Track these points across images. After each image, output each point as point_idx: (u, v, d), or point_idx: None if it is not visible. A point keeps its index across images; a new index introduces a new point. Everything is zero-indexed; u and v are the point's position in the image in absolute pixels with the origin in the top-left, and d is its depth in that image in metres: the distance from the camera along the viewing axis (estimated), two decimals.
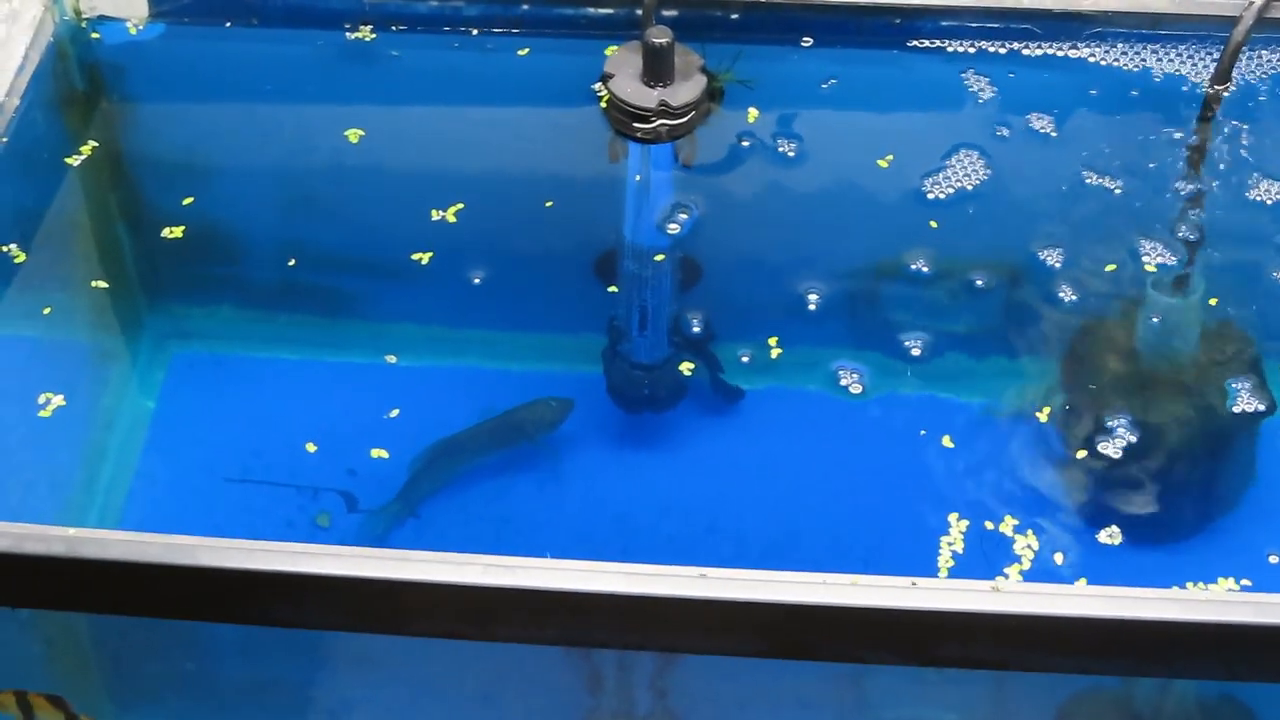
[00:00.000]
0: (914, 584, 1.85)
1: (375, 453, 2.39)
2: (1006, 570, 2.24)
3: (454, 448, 2.48)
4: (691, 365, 2.53)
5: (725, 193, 2.69)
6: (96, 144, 2.76)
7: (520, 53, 2.86)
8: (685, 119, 2.71)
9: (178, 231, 2.62)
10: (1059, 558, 2.27)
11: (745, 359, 2.51)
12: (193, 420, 2.52)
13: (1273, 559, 2.27)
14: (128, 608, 1.94)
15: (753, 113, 2.77)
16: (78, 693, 2.49)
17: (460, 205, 2.63)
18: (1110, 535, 2.31)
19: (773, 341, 2.52)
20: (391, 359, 2.50)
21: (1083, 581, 2.19)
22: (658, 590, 1.85)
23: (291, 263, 2.62)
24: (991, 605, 1.84)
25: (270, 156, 2.79)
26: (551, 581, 1.85)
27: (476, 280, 2.59)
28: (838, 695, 2.42)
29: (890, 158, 2.72)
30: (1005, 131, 2.75)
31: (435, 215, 2.61)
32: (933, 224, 2.62)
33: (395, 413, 2.45)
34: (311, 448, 2.40)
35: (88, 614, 2.23)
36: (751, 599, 1.85)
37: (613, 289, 2.61)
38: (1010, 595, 1.85)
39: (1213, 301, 2.54)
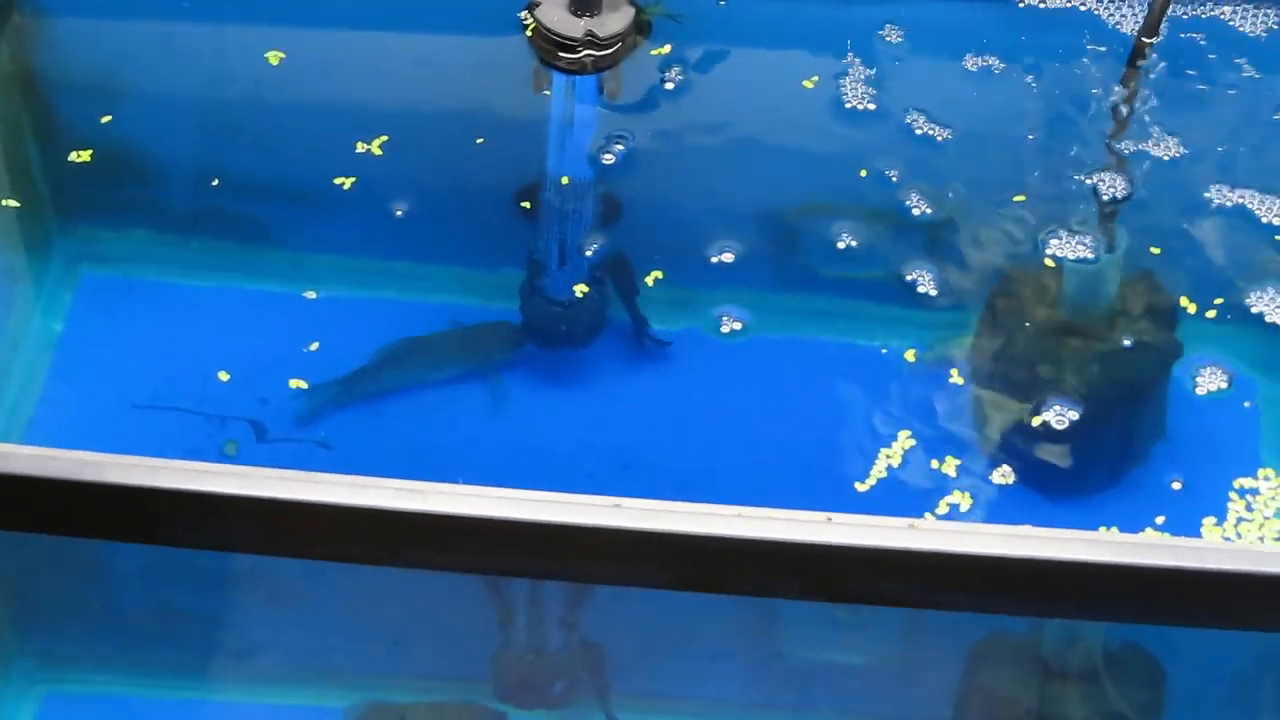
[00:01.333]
0: (830, 519, 1.84)
1: (293, 382, 2.36)
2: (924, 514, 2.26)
3: (410, 350, 2.45)
4: (606, 299, 2.52)
5: (649, 128, 2.67)
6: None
7: None
8: (611, 50, 2.69)
9: (85, 155, 2.58)
10: (971, 504, 2.29)
11: (662, 296, 2.50)
12: (101, 344, 2.49)
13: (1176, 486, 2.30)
14: (30, 524, 1.90)
15: (675, 47, 2.75)
16: None
17: (385, 138, 2.59)
18: (1022, 483, 2.33)
19: (695, 277, 2.51)
20: (310, 294, 2.47)
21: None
22: (572, 519, 1.83)
23: (214, 184, 2.58)
24: (908, 542, 1.83)
25: (189, 76, 2.74)
26: (463, 508, 1.82)
27: (395, 210, 2.56)
28: (748, 637, 2.43)
29: (812, 94, 2.70)
30: (931, 74, 2.74)
31: (360, 148, 2.57)
32: (862, 173, 2.61)
33: (315, 346, 2.43)
34: (223, 376, 2.38)
35: None
36: (666, 529, 1.83)
37: (531, 219, 2.60)
38: (927, 533, 1.84)
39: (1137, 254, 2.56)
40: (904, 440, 2.35)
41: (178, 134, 2.68)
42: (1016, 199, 2.58)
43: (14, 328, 2.51)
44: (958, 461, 2.34)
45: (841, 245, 2.53)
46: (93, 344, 2.49)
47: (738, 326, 2.48)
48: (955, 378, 2.42)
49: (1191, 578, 1.85)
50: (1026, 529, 1.83)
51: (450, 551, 1.86)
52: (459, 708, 2.43)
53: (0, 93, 2.70)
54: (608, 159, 2.63)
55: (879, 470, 2.33)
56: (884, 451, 2.34)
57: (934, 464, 2.34)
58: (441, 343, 2.50)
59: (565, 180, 2.61)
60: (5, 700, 2.46)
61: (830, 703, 2.44)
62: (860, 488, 2.32)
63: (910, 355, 2.45)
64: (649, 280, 2.53)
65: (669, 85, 2.71)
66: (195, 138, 2.68)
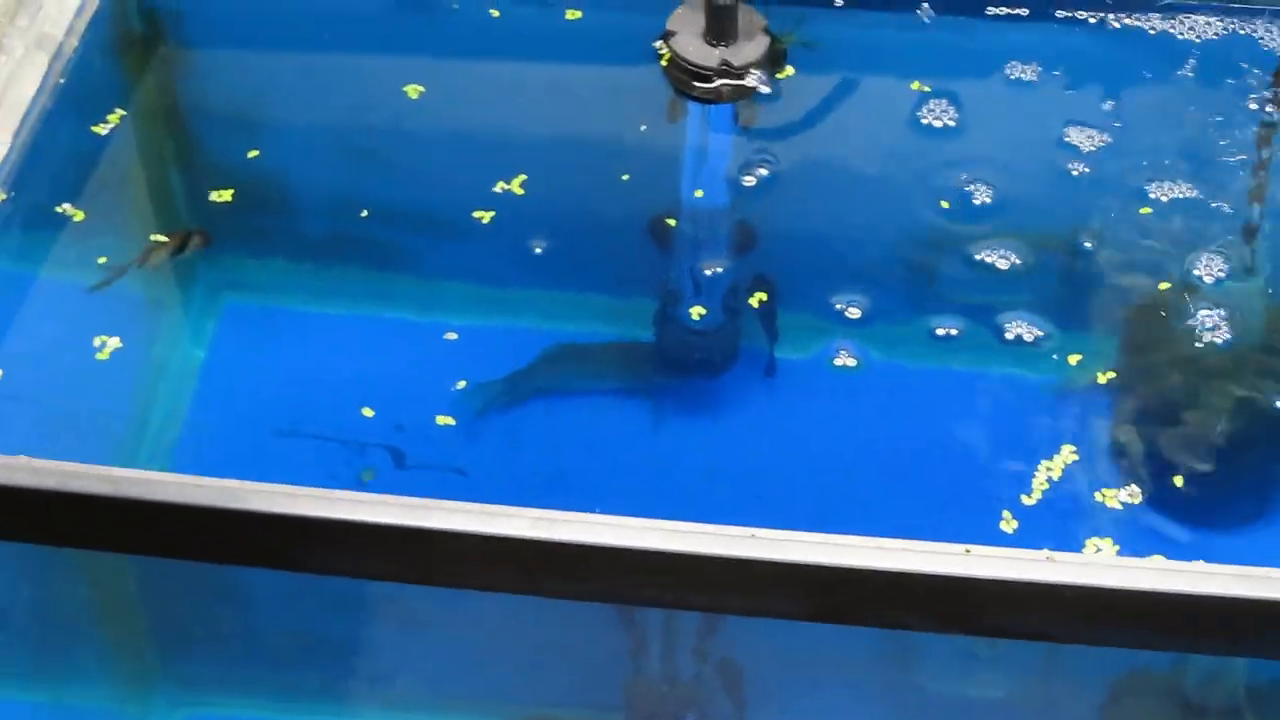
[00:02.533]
0: (968, 551, 1.83)
1: (440, 419, 2.38)
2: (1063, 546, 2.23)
3: (571, 355, 2.47)
4: (740, 328, 2.52)
5: (784, 156, 2.67)
6: (136, 105, 2.76)
7: (573, 15, 2.84)
8: (746, 80, 2.69)
9: (227, 195, 2.61)
10: (1111, 535, 2.26)
11: (797, 326, 2.49)
12: (242, 371, 2.52)
13: None
14: (170, 550, 1.93)
15: (811, 76, 2.75)
16: (122, 636, 2.50)
17: (524, 176, 2.60)
18: (1163, 515, 2.29)
19: (830, 307, 2.50)
20: (451, 336, 2.48)
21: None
22: (706, 549, 1.83)
23: (361, 214, 2.61)
24: (1047, 575, 1.81)
25: (330, 108, 2.78)
26: (598, 537, 1.83)
27: (533, 241, 2.58)
28: (884, 667, 2.41)
29: (952, 125, 2.69)
30: (1073, 102, 2.72)
31: (500, 187, 2.59)
32: (987, 197, 2.59)
33: (462, 384, 2.44)
34: (366, 410, 2.40)
35: (131, 555, 2.23)
36: (801, 560, 1.83)
37: (666, 248, 2.60)
38: (1065, 566, 1.82)
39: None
40: (1042, 471, 2.33)
41: (319, 164, 2.71)
42: (1158, 224, 2.55)
43: (159, 355, 2.55)
44: (1097, 493, 2.31)
45: (977, 272, 2.52)
46: (234, 371, 2.52)
47: (875, 355, 2.46)
48: (1094, 408, 2.39)
49: None
50: (1168, 562, 1.81)
51: (585, 581, 1.87)
52: None
53: (146, 123, 2.74)
54: (743, 187, 2.63)
55: (1017, 501, 2.31)
56: (1022, 482, 2.32)
57: (1073, 496, 2.31)
58: (599, 354, 2.50)
59: (699, 209, 2.62)
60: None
61: None
62: (998, 519, 2.29)
63: (1049, 385, 2.43)
64: (753, 301, 2.52)
65: (804, 114, 2.71)
66: (336, 169, 2.71)
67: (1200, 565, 1.81)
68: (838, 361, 2.46)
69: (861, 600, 1.87)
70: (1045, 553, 1.86)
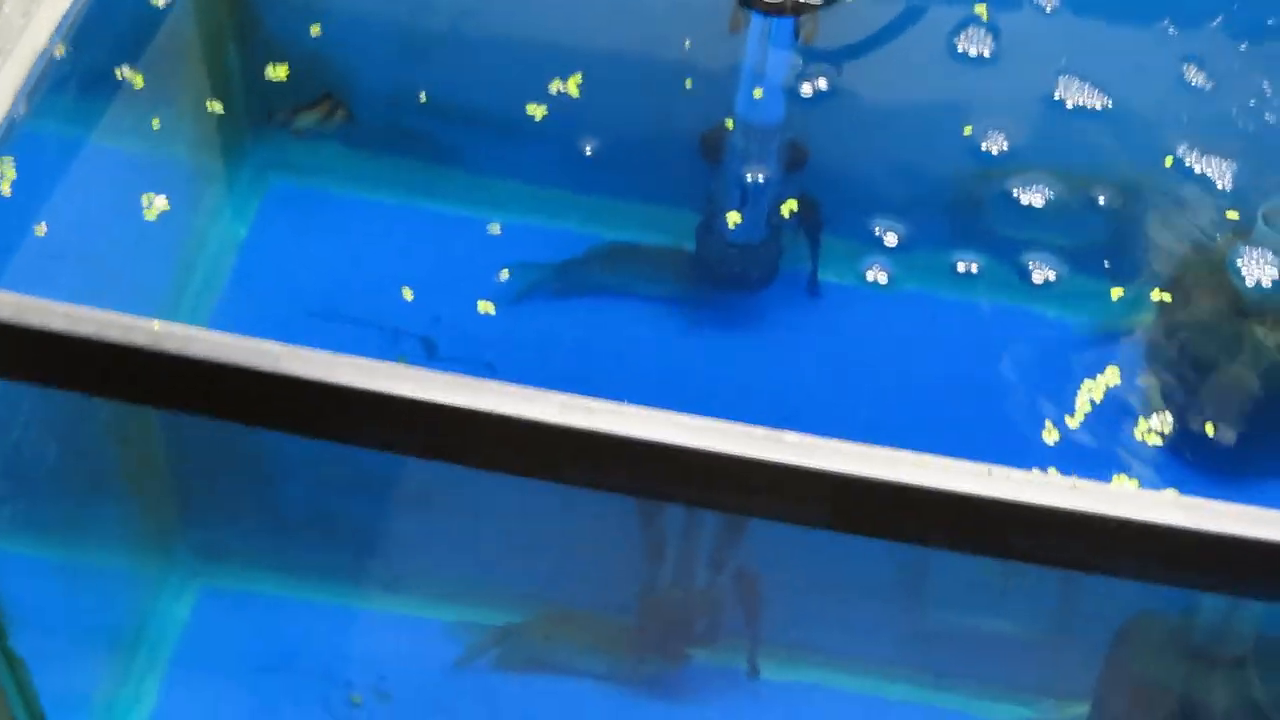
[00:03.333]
0: (990, 471, 1.83)
1: (482, 305, 2.39)
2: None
3: (623, 254, 2.49)
4: (783, 246, 2.52)
5: (843, 76, 2.66)
6: None
7: None
8: None
9: (282, 71, 2.61)
10: (1140, 475, 2.26)
11: (840, 248, 2.49)
12: (282, 252, 2.54)
13: None
14: (203, 408, 1.94)
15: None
16: (146, 500, 2.52)
17: (579, 76, 2.60)
18: (1188, 465, 2.30)
19: (875, 231, 2.50)
20: (494, 228, 2.49)
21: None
22: (732, 448, 1.83)
23: (420, 100, 2.61)
24: (1069, 502, 1.81)
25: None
26: (626, 427, 1.83)
27: (583, 145, 2.58)
28: (898, 592, 2.42)
29: (1008, 58, 2.68)
30: (1135, 44, 2.70)
31: (555, 88, 2.59)
32: (1041, 134, 2.58)
33: (504, 274, 2.45)
34: (407, 293, 2.41)
35: (163, 410, 2.25)
36: (825, 467, 1.83)
37: (715, 161, 2.60)
38: (1089, 493, 1.82)
39: None
40: (1072, 412, 2.33)
41: (377, 53, 2.71)
42: (1214, 177, 2.54)
43: (200, 227, 2.56)
44: (1123, 440, 2.31)
45: (1032, 206, 2.51)
46: (274, 251, 2.54)
47: (913, 285, 2.47)
48: (1132, 352, 2.40)
49: None
50: (1190, 499, 1.81)
51: (609, 470, 1.88)
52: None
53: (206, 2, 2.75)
54: (798, 104, 2.62)
55: (1043, 439, 2.31)
56: (1048, 422, 2.32)
57: (1099, 441, 2.31)
58: (653, 255, 2.51)
59: (752, 123, 2.61)
60: (166, 588, 2.52)
61: (974, 669, 2.43)
62: (1024, 452, 2.30)
63: (1084, 325, 2.43)
64: (793, 217, 2.52)
65: (866, 34, 2.70)
66: (394, 58, 2.71)
67: (1218, 504, 1.81)
68: (877, 283, 2.46)
69: (880, 510, 1.87)
70: (1070, 479, 1.87)
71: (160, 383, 1.92)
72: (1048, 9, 2.72)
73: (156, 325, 1.89)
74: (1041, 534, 1.85)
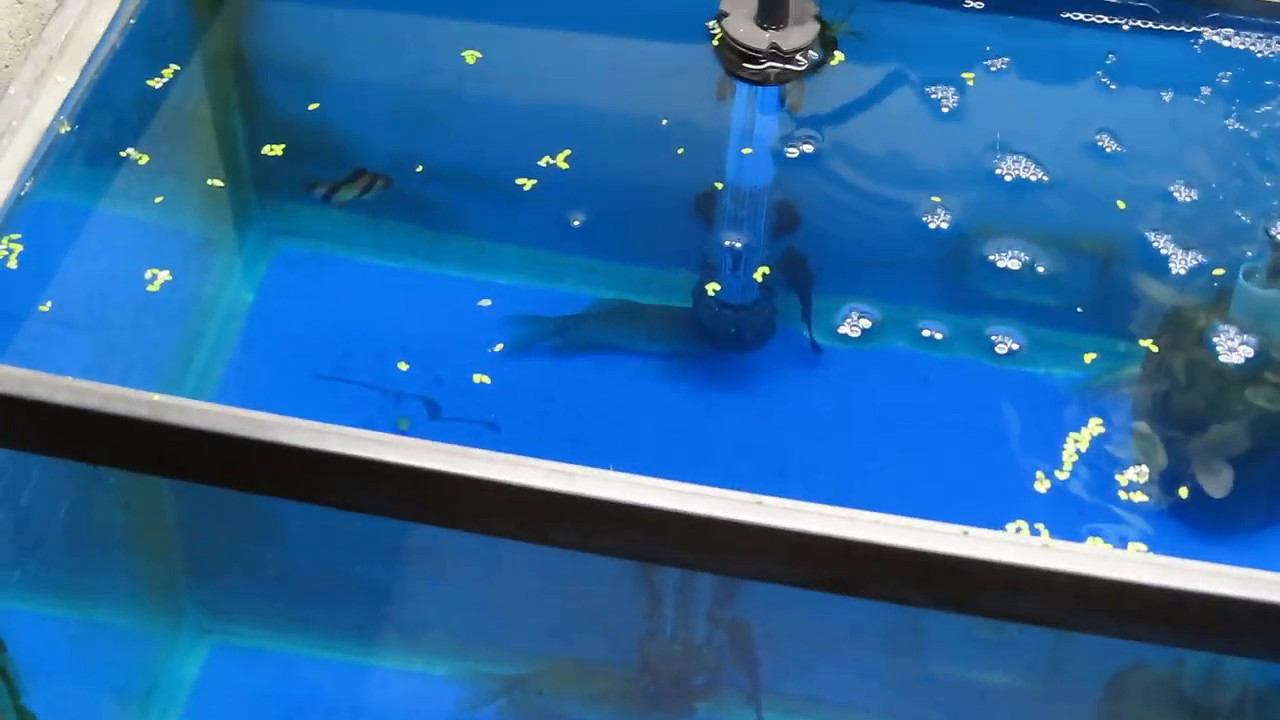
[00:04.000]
0: (966, 533, 1.87)
1: (477, 377, 2.43)
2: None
3: (624, 311, 2.55)
4: (776, 306, 2.56)
5: (830, 140, 2.70)
6: (203, 52, 2.82)
7: None
8: (795, 64, 2.73)
9: (278, 149, 2.66)
10: (1123, 535, 2.29)
11: (832, 308, 2.53)
12: (289, 316, 2.58)
13: None
14: (200, 475, 2.00)
15: (859, 63, 2.78)
16: (156, 561, 2.57)
17: (569, 151, 2.65)
18: (1178, 518, 2.32)
19: (867, 291, 2.54)
20: (485, 303, 2.53)
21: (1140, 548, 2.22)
22: (713, 512, 1.88)
23: (416, 170, 2.66)
24: (1041, 561, 1.85)
25: (390, 66, 2.83)
26: (609, 492, 1.88)
27: (578, 208, 2.62)
28: (892, 643, 2.45)
29: (999, 127, 2.72)
30: (1113, 101, 2.74)
31: (544, 162, 2.64)
32: (1023, 193, 2.62)
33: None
34: (403, 364, 2.45)
35: (165, 479, 2.30)
36: (804, 529, 1.88)
37: (708, 224, 2.64)
38: (1061, 553, 1.86)
39: None
40: (1061, 466, 2.36)
41: (376, 120, 2.76)
42: (1193, 233, 2.57)
43: (209, 294, 2.61)
44: (1113, 492, 2.34)
45: (1014, 267, 2.55)
46: (282, 315, 2.58)
47: (904, 344, 2.50)
48: (1118, 408, 2.42)
49: None
50: (1158, 557, 1.84)
51: (595, 534, 1.93)
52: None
53: (214, 72, 2.80)
54: (787, 168, 2.68)
55: (1034, 491, 2.34)
56: (1039, 474, 2.35)
57: (1089, 494, 2.34)
58: (652, 314, 2.56)
59: (742, 188, 2.66)
60: (176, 648, 2.56)
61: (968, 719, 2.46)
62: (1003, 508, 2.32)
63: (1071, 382, 2.46)
64: (758, 276, 2.56)
65: (851, 101, 2.75)
66: (392, 125, 2.76)
67: (1189, 563, 1.84)
68: (869, 343, 2.49)
69: (861, 572, 1.92)
70: (1043, 539, 1.91)
71: (161, 452, 1.98)
72: (1032, 76, 2.77)
73: (156, 397, 1.95)
74: (1017, 593, 1.89)
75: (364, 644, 2.60)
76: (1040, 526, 2.26)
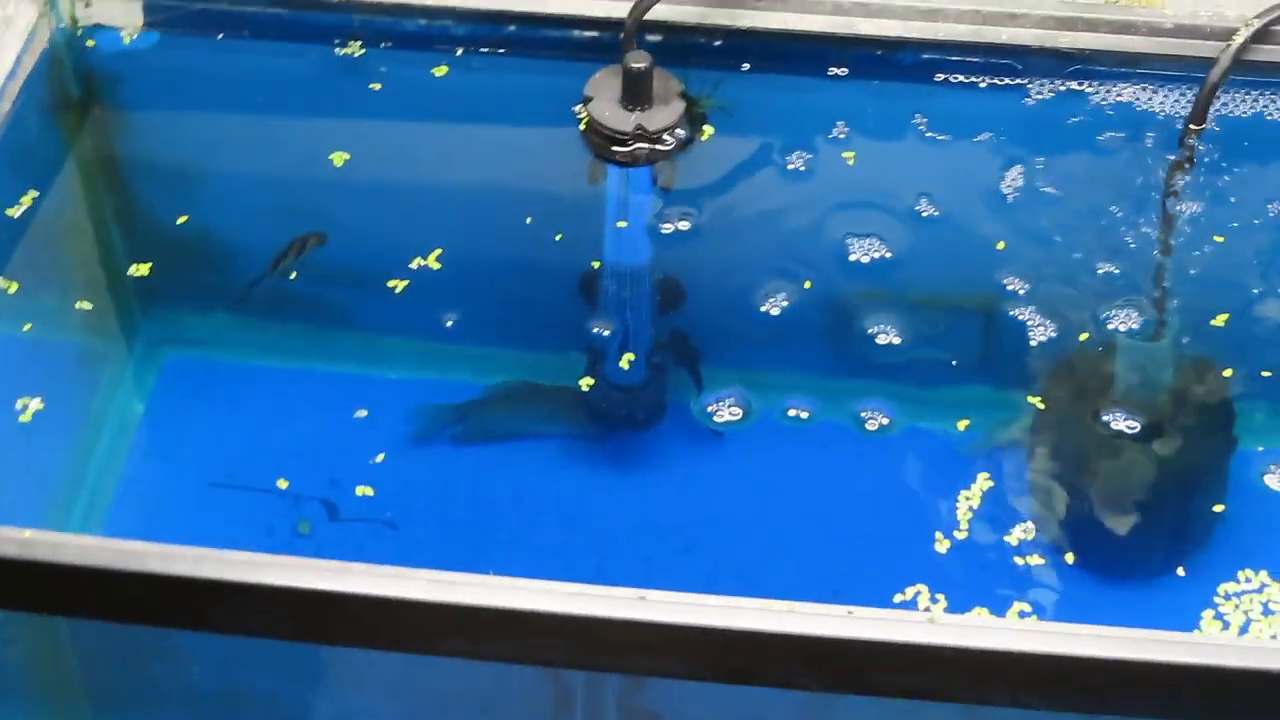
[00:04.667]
0: (850, 613, 1.87)
1: (359, 490, 2.43)
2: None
3: (521, 393, 2.56)
4: (667, 384, 2.56)
5: (705, 216, 2.71)
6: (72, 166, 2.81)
7: (499, 81, 2.90)
8: (663, 144, 2.74)
9: (144, 269, 2.65)
10: (1026, 589, 2.29)
11: (723, 380, 2.53)
12: (181, 425, 2.56)
13: (1230, 601, 2.29)
14: (81, 610, 1.98)
15: (729, 138, 2.79)
16: (54, 695, 2.53)
17: (439, 250, 2.65)
18: (1078, 568, 2.33)
19: (755, 362, 2.55)
20: (361, 413, 2.51)
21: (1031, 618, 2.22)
22: (597, 611, 1.87)
23: (290, 276, 2.66)
24: (926, 637, 1.85)
25: (261, 169, 2.83)
26: (493, 599, 1.87)
27: (460, 298, 2.62)
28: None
29: (861, 183, 2.74)
30: (977, 164, 2.77)
31: (416, 264, 2.63)
32: (901, 255, 2.63)
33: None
34: (282, 482, 2.43)
35: (43, 615, 2.26)
36: (690, 622, 1.86)
37: (592, 307, 2.64)
38: (945, 627, 1.86)
39: (1185, 340, 2.56)
40: (962, 525, 2.36)
41: (253, 222, 2.75)
42: (1069, 286, 2.59)
43: (97, 409, 2.58)
44: (1014, 546, 2.34)
45: (899, 330, 2.56)
46: (173, 424, 2.56)
47: (797, 412, 2.50)
48: (1011, 462, 2.43)
49: (1228, 676, 1.85)
50: (1041, 624, 1.85)
51: (482, 642, 1.91)
52: None
53: (85, 183, 2.79)
54: (664, 247, 2.68)
55: (934, 553, 2.34)
56: (940, 536, 2.35)
57: (987, 552, 2.34)
58: (550, 395, 2.56)
59: (623, 268, 2.66)
60: None
61: None
62: (908, 572, 2.33)
63: (961, 440, 2.46)
64: (676, 357, 2.57)
65: (724, 175, 2.76)
66: (269, 227, 2.75)
67: (1074, 626, 1.84)
68: (761, 418, 2.49)
69: (750, 661, 1.91)
70: (926, 614, 1.91)
71: (37, 589, 1.95)
72: (901, 139, 2.79)
73: (26, 534, 1.93)
74: (906, 670, 1.89)
75: None
76: (940, 597, 2.28)
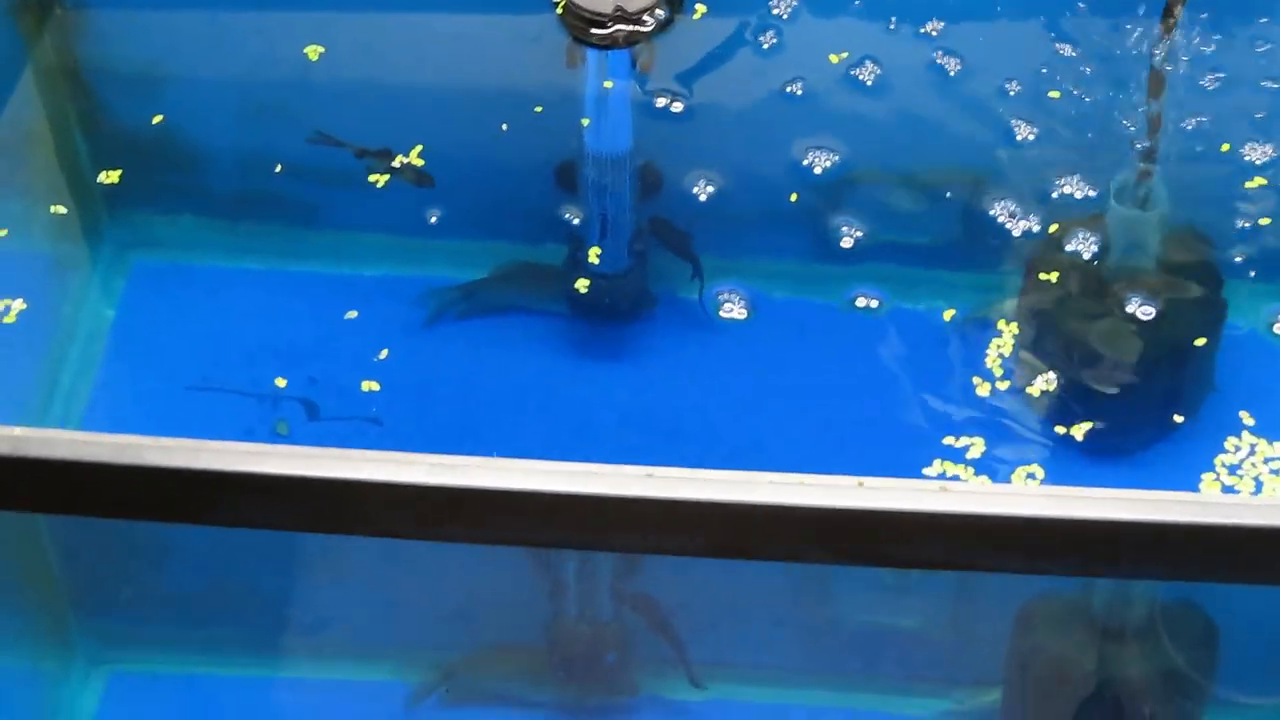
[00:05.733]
0: (861, 484, 1.85)
1: (365, 385, 2.39)
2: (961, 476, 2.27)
3: (526, 272, 2.54)
4: (648, 272, 2.53)
5: (685, 99, 2.67)
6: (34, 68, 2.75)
7: None
8: (642, 25, 2.70)
9: (114, 176, 2.60)
10: (1017, 464, 2.29)
11: (706, 266, 2.51)
12: (153, 329, 2.53)
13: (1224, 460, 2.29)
14: (77, 507, 1.94)
15: (711, 18, 2.75)
16: (38, 594, 2.51)
17: (420, 147, 2.61)
18: (1069, 442, 2.33)
19: (737, 248, 2.53)
20: (352, 314, 2.48)
21: (1034, 482, 2.21)
22: (603, 490, 1.84)
23: (274, 169, 2.61)
24: (939, 505, 1.83)
25: (231, 66, 2.77)
26: (496, 481, 1.84)
27: (439, 191, 2.58)
28: (801, 601, 2.44)
29: (846, 62, 2.70)
30: (964, 34, 2.73)
31: (398, 161, 2.59)
32: (881, 138, 2.60)
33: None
34: (279, 371, 2.41)
35: (37, 514, 2.24)
36: (697, 497, 1.84)
37: (572, 195, 2.61)
38: (958, 495, 1.84)
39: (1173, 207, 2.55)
40: (949, 404, 2.35)
41: (222, 122, 2.71)
42: (1055, 159, 2.57)
43: (68, 315, 2.55)
44: (1004, 423, 2.34)
45: (883, 210, 2.53)
46: (145, 329, 2.53)
47: (781, 295, 2.48)
48: (999, 339, 2.42)
49: (1231, 534, 1.84)
50: (1054, 489, 1.83)
51: (486, 525, 1.88)
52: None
53: (47, 87, 2.74)
54: (644, 131, 2.64)
55: (926, 434, 2.33)
56: (929, 415, 2.35)
57: (980, 427, 2.33)
58: (554, 274, 2.53)
59: (602, 154, 2.63)
60: (70, 681, 2.50)
61: (887, 666, 2.45)
62: (907, 452, 2.32)
63: (952, 318, 2.45)
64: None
65: (703, 57, 2.72)
66: (239, 126, 2.71)
67: (1084, 490, 1.83)
68: (743, 302, 2.48)
69: (759, 535, 1.89)
70: (939, 484, 1.89)
71: (30, 487, 1.91)
72: (883, 11, 2.76)
73: (17, 431, 1.88)
74: (918, 540, 1.87)
75: (267, 657, 2.55)
76: (946, 467, 2.27)
